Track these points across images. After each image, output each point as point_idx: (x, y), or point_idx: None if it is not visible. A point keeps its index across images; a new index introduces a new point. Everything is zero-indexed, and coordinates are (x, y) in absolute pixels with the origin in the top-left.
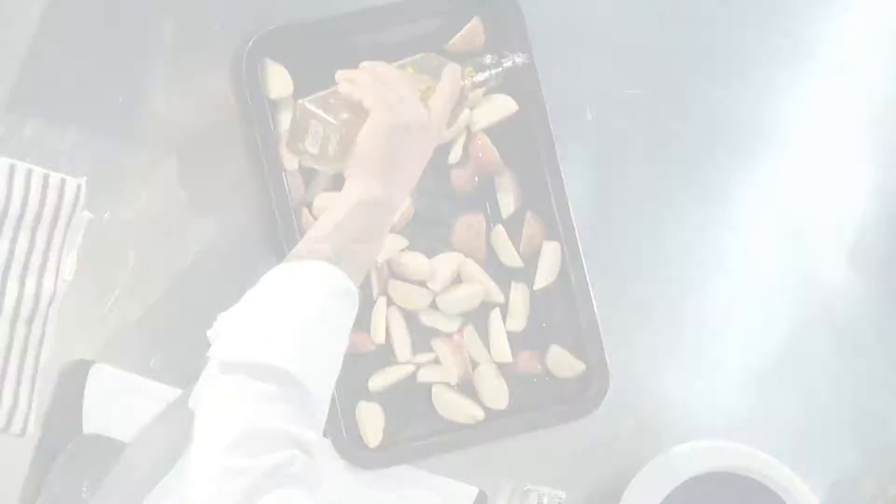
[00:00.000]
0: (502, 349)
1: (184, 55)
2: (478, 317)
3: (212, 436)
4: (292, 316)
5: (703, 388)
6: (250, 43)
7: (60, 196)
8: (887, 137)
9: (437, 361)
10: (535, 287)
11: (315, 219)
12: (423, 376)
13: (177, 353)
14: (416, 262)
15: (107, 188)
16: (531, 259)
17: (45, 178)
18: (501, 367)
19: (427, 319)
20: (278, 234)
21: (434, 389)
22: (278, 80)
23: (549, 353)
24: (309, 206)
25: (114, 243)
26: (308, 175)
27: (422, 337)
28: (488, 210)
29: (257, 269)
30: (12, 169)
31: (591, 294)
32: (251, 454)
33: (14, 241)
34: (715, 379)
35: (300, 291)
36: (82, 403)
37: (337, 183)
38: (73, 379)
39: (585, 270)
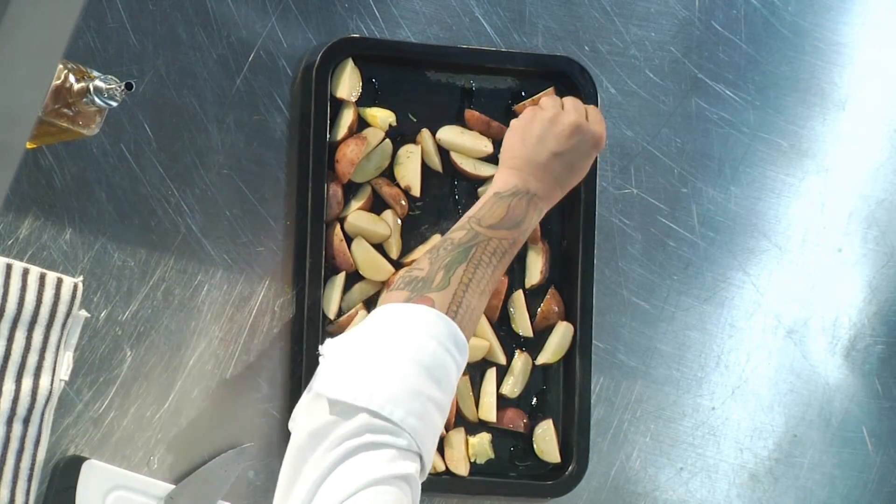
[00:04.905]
0: (489, 408)
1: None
2: (475, 371)
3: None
4: (396, 361)
5: (699, 487)
6: (330, 44)
7: (57, 295)
8: (881, 238)
9: None
10: (538, 361)
11: (346, 234)
12: None
13: (175, 451)
14: None
15: (103, 287)
16: (541, 333)
17: (42, 277)
18: (484, 423)
19: None
20: (303, 254)
21: None
22: (348, 83)
23: (539, 425)
24: (342, 221)
25: (110, 342)
26: (350, 190)
27: None
28: (514, 273)
29: (254, 369)
30: (9, 268)
31: (592, 386)
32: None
33: (10, 340)
34: (711, 478)
35: (408, 336)
36: (75, 499)
37: (375, 204)
38: (66, 474)
39: (592, 361)
